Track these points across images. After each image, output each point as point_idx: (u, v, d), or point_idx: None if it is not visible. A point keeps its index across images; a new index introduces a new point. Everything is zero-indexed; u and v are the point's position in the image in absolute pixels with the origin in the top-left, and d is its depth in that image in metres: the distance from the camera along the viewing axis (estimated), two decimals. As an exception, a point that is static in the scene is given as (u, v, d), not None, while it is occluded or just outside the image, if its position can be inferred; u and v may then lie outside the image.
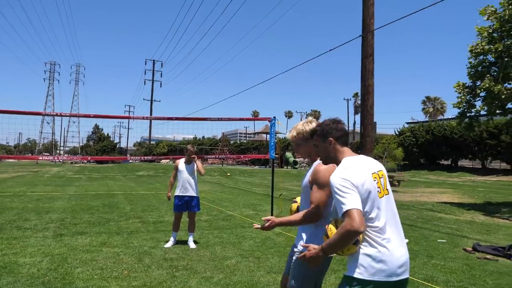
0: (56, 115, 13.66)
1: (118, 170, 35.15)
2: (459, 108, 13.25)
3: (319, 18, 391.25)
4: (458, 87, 13.17)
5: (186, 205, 6.58)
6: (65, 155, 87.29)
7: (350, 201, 1.94)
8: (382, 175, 2.17)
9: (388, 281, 2.00)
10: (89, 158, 12.47)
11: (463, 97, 12.99)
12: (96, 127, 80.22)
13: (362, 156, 2.22)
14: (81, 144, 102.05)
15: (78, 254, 5.73)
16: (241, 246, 6.52)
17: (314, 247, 2.09)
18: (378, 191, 2.08)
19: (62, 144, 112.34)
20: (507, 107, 12.61)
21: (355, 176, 2.03)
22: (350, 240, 1.94)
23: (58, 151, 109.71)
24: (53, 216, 9.21)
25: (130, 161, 47.23)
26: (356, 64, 12.19)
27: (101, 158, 31.34)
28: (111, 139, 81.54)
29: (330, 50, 12.06)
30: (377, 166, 2.19)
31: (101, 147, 70.05)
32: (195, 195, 6.61)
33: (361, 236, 2.04)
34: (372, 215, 2.04)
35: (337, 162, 2.21)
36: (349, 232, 1.89)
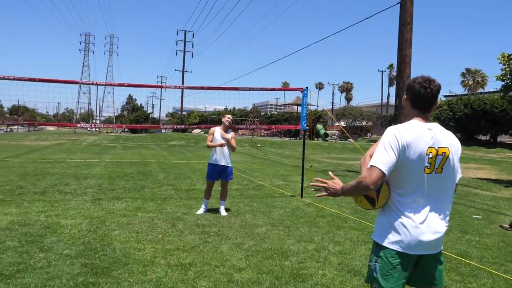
0: (92, 84, 14.02)
1: (151, 140, 36.09)
2: (502, 80, 12.60)
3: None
4: (502, 59, 12.50)
5: (219, 173, 6.62)
6: (101, 124, 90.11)
7: (381, 159, 1.94)
8: (443, 152, 2.00)
9: (408, 253, 1.97)
10: (123, 126, 12.82)
11: (507, 69, 12.31)
12: (130, 97, 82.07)
13: (433, 125, 2.06)
14: (115, 114, 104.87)
15: (115, 217, 5.98)
16: (271, 215, 6.61)
17: (338, 183, 2.12)
18: (427, 166, 1.97)
19: (97, 114, 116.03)
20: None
21: (409, 139, 1.96)
22: (359, 191, 2.01)
23: (94, 120, 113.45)
24: (91, 181, 9.61)
25: (162, 130, 48.23)
26: (393, 33, 11.72)
27: (135, 126, 32.02)
28: (144, 110, 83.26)
29: (366, 18, 11.62)
30: (443, 141, 2.03)
31: (134, 117, 71.58)
32: (229, 164, 6.62)
33: (381, 201, 2.05)
34: (408, 185, 1.98)
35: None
36: (361, 184, 1.95)
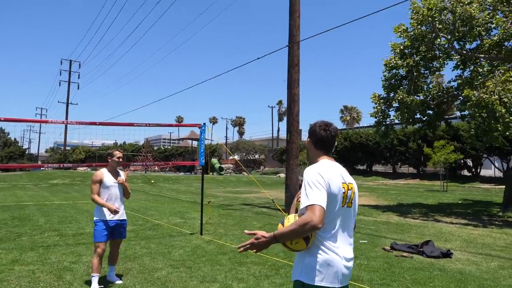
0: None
1: (28, 179, 32.13)
2: (375, 117, 14.22)
3: (246, 26, 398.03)
4: (374, 98, 14.16)
5: (113, 231, 4.94)
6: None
7: (317, 197, 1.98)
8: (351, 187, 2.22)
9: (335, 287, 2.07)
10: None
11: (378, 107, 14.00)
12: (2, 131, 72.80)
13: (338, 164, 2.26)
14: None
15: (-15, 274, 5.10)
16: (171, 256, 6.31)
17: (263, 235, 2.06)
18: (342, 200, 2.14)
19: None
20: (416, 116, 13.87)
21: (330, 176, 2.09)
22: (305, 233, 1.97)
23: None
24: (-49, 232, 8.11)
25: (42, 168, 43.41)
26: (281, 72, 12.58)
27: (8, 166, 27.93)
28: (19, 145, 74.60)
29: (258, 58, 12.32)
30: (349, 178, 2.25)
31: (7, 153, 63.67)
32: (125, 217, 5.11)
33: (312, 238, 2.08)
34: (329, 220, 2.08)
35: (313, 162, 2.27)
36: (308, 225, 1.92)
